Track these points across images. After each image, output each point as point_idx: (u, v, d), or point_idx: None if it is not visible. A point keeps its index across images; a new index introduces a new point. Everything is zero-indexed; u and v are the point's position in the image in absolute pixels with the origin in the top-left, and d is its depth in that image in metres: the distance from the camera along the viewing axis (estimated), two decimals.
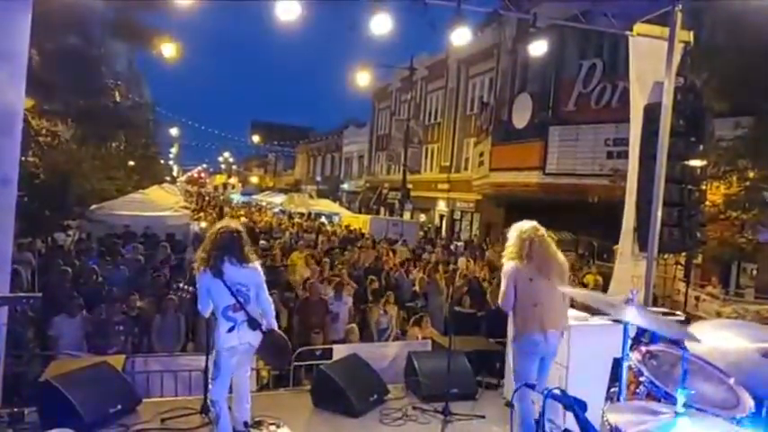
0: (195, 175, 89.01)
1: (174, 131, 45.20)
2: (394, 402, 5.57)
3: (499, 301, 4.37)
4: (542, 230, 4.43)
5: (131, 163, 24.65)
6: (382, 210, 34.57)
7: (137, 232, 14.59)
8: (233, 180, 78.66)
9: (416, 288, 10.70)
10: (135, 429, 4.67)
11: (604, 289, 9.91)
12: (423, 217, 31.13)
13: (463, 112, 28.40)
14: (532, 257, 4.27)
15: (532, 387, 2.41)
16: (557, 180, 17.22)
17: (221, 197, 52.33)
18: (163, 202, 18.55)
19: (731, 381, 2.42)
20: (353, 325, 7.68)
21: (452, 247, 18.13)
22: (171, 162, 65.29)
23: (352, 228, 22.62)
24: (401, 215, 28.08)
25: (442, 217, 30.75)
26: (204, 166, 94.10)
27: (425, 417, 5.27)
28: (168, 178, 52.07)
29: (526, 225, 4.46)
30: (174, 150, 60.25)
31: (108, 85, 14.29)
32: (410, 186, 29.15)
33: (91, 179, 14.45)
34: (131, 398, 5.06)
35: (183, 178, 78.69)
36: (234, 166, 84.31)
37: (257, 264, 4.48)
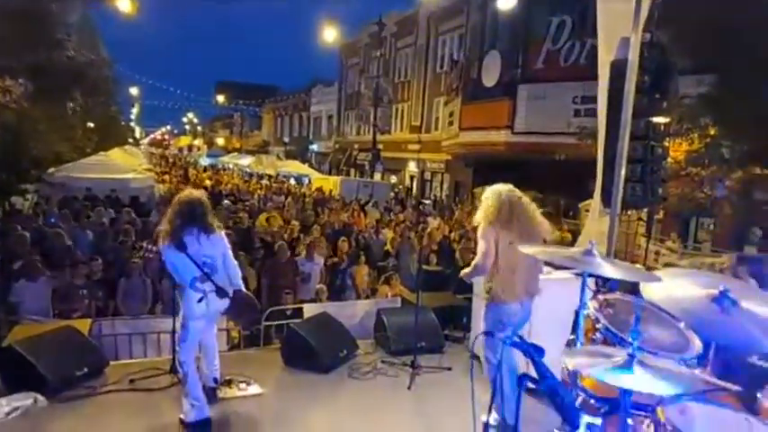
0: (159, 137, 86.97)
1: (134, 91, 43.87)
2: (363, 357, 5.67)
3: (478, 262, 4.11)
4: (518, 192, 4.22)
5: (90, 124, 23.83)
6: (353, 171, 34.43)
7: (99, 195, 14.24)
8: (198, 142, 77.12)
9: (388, 248, 10.78)
10: (103, 391, 4.65)
11: (572, 246, 10.15)
12: (393, 178, 31.12)
13: (433, 69, 28.16)
14: (513, 221, 4.05)
15: (491, 335, 2.46)
16: (525, 139, 17.35)
17: (187, 159, 51.29)
18: (125, 164, 18.10)
19: (681, 325, 2.53)
20: (323, 285, 7.73)
21: (422, 207, 18.24)
22: (132, 123, 63.54)
23: (322, 189, 22.51)
24: (372, 176, 28.01)
25: (412, 178, 30.82)
26: (168, 127, 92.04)
27: (394, 370, 5.38)
28: (131, 140, 50.75)
29: (504, 187, 4.23)
30: (135, 111, 58.60)
31: (60, 40, 13.56)
32: (380, 147, 29.01)
33: (47, 140, 13.91)
34: (98, 360, 5.02)
35: (145, 140, 76.81)
36: (199, 128, 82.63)
37: (222, 232, 4.42)
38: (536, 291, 4.19)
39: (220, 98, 67.07)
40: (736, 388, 2.36)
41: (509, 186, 4.25)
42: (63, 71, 13.57)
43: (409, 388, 4.99)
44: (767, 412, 2.23)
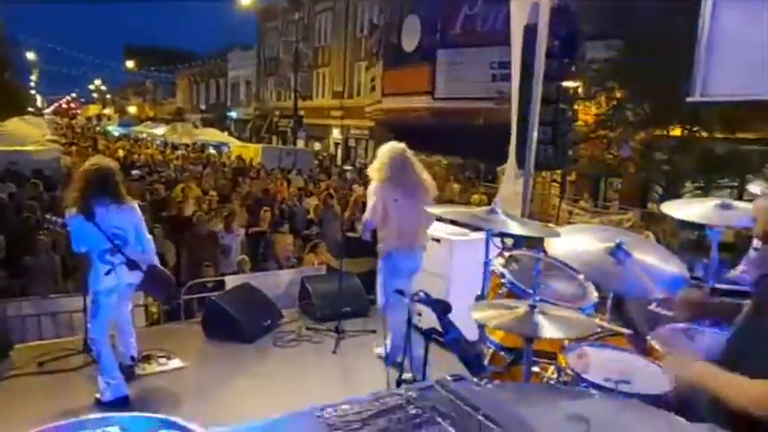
0: (64, 106, 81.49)
1: (31, 56, 40.42)
2: (288, 326, 5.67)
3: (365, 217, 4.44)
4: (410, 152, 4.49)
5: None
6: (274, 138, 33.69)
7: None
8: (108, 110, 72.71)
9: (311, 216, 10.72)
10: (8, 376, 4.40)
11: None
12: (317, 145, 30.75)
13: (353, 34, 27.76)
14: (399, 179, 4.34)
15: (402, 293, 2.54)
16: (446, 104, 17.57)
17: (96, 129, 48.30)
18: (26, 135, 16.84)
19: (581, 277, 2.71)
20: (245, 256, 7.60)
21: (346, 174, 18.22)
22: (33, 91, 58.93)
23: (243, 158, 21.93)
24: (294, 143, 27.54)
25: (336, 144, 30.56)
26: (74, 95, 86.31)
27: (319, 336, 5.42)
28: (32, 109, 47.16)
29: (395, 146, 4.50)
30: (34, 78, 54.23)
31: None
32: (302, 113, 28.49)
33: None
34: (2, 344, 4.72)
35: (49, 110, 71.61)
36: (108, 96, 77.86)
37: (134, 203, 4.25)
38: (424, 242, 4.53)
39: (130, 64, 63.28)
40: (627, 332, 2.57)
41: (401, 146, 4.50)
42: None
43: (334, 352, 5.06)
44: (655, 353, 2.43)
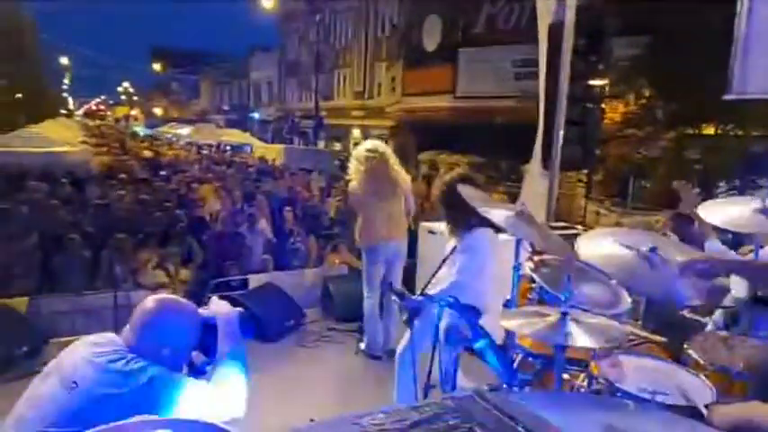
0: (94, 108, 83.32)
1: (64, 60, 41.41)
2: (311, 326, 5.68)
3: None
4: (381, 151, 4.73)
5: (19, 95, 22.47)
6: (296, 139, 33.88)
7: (32, 170, 13.47)
8: (135, 111, 74.05)
9: (332, 215, 10.75)
10: (40, 370, 4.47)
11: None
12: (338, 145, 30.83)
13: (374, 34, 27.77)
14: (370, 177, 4.65)
15: (431, 299, 2.47)
16: (467, 103, 17.44)
17: (122, 130, 49.18)
18: (59, 137, 17.23)
19: (613, 282, 2.64)
20: (268, 256, 7.64)
21: None
22: (65, 94, 60.34)
23: (265, 158, 22.10)
24: (316, 144, 27.64)
25: (357, 145, 30.61)
26: (103, 97, 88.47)
27: (341, 336, 5.42)
28: (64, 111, 48.31)
29: (366, 145, 4.86)
30: (66, 81, 55.53)
31: None
32: (324, 114, 28.59)
33: None
34: (37, 339, 4.83)
35: (79, 112, 73.19)
36: (135, 97, 79.39)
37: None
38: (397, 234, 4.83)
39: (157, 66, 64.41)
40: (662, 339, 2.49)
41: (373, 144, 4.89)
42: None
43: (356, 353, 5.04)
44: (693, 362, 2.33)
